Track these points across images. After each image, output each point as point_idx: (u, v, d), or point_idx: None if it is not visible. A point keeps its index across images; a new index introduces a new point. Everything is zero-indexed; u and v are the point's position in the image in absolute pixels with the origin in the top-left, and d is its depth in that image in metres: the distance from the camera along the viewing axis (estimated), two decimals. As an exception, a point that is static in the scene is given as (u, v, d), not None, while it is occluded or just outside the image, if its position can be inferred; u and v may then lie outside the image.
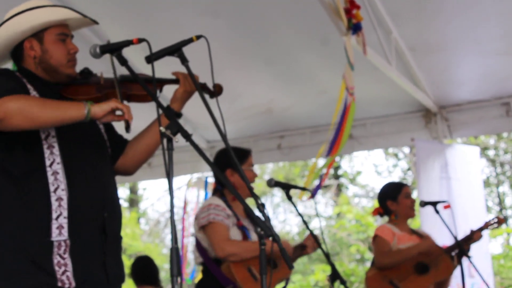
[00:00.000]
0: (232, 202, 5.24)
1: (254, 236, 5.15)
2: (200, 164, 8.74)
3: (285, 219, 23.52)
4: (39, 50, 3.32)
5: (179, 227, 9.02)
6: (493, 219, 6.12)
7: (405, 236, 6.14)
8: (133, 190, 22.54)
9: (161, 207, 23.39)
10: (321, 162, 6.59)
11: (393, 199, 6.26)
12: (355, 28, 5.80)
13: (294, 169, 21.22)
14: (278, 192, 22.28)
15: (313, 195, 5.59)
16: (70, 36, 3.40)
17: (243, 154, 5.34)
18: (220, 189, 5.29)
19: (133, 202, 22.64)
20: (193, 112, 7.46)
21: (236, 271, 4.92)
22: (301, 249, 5.32)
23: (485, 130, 8.66)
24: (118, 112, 3.15)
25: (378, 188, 21.87)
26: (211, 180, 8.46)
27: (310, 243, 5.31)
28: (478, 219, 6.57)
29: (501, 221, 6.12)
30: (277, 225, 22.48)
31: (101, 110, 3.11)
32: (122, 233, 3.51)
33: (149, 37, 3.10)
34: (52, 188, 3.15)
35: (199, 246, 5.19)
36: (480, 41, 6.87)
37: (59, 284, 3.12)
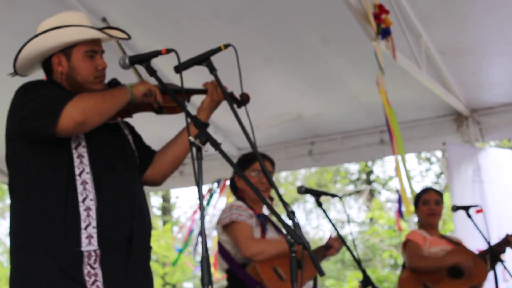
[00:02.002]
0: (250, 203, 5.25)
1: (269, 234, 5.15)
2: (230, 172, 8.75)
3: (318, 225, 23.49)
4: (66, 67, 3.35)
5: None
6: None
7: (436, 241, 6.14)
8: (166, 199, 22.61)
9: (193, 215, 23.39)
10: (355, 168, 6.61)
11: (416, 207, 6.35)
12: (384, 33, 5.78)
13: (326, 175, 21.17)
14: (310, 198, 22.22)
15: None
16: (100, 52, 3.42)
17: (248, 160, 5.36)
18: (238, 196, 5.34)
19: (166, 210, 22.71)
20: (224, 119, 7.50)
21: (262, 271, 4.90)
22: (326, 250, 5.30)
23: (518, 133, 8.58)
24: (149, 93, 3.37)
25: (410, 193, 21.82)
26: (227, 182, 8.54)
27: (335, 243, 5.29)
28: (512, 223, 6.53)
29: (537, 224, 6.08)
30: (310, 231, 22.44)
31: (138, 91, 3.34)
32: (156, 245, 3.53)
33: (176, 47, 3.11)
34: (80, 198, 3.18)
35: (222, 251, 5.17)
36: (510, 42, 6.80)
37: None
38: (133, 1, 6.39)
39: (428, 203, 6.28)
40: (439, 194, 6.36)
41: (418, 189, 6.44)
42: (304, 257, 4.44)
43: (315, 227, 23.26)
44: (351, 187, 22.07)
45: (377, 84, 5.78)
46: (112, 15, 6.19)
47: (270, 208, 2.87)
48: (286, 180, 21.95)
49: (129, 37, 3.51)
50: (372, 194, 21.58)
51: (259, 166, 5.33)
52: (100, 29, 3.43)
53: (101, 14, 6.13)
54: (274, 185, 3.04)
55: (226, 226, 5.09)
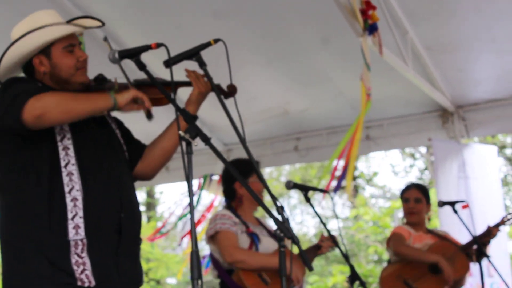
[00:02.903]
0: (240, 212, 5.28)
1: (264, 244, 5.18)
2: (217, 167, 8.75)
3: (302, 221, 23.53)
4: (48, 65, 3.36)
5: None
6: (509, 214, 6.11)
7: (421, 236, 6.17)
8: (150, 194, 22.57)
9: (178, 210, 23.38)
10: (340, 163, 6.63)
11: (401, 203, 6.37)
12: (371, 29, 5.79)
13: (311, 171, 21.19)
14: (295, 194, 22.26)
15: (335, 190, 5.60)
16: (78, 44, 3.42)
17: (250, 168, 5.36)
18: (228, 202, 5.38)
19: (150, 205, 22.67)
20: (210, 114, 7.47)
21: (246, 278, 4.98)
22: (316, 249, 5.34)
23: (503, 129, 8.63)
24: (138, 101, 3.26)
25: (395, 188, 21.93)
26: (215, 177, 8.53)
27: (325, 243, 5.33)
28: (497, 218, 6.54)
29: (518, 216, 6.12)
30: (294, 227, 22.47)
31: (123, 99, 3.23)
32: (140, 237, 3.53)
33: (165, 42, 3.12)
34: (67, 189, 3.19)
35: (213, 259, 5.26)
36: (496, 39, 6.83)
37: (79, 283, 3.16)
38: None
39: (407, 201, 6.31)
40: (422, 190, 6.36)
41: (404, 184, 6.45)
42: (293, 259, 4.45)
43: (299, 222, 23.31)
44: (334, 183, 22.03)
45: (361, 80, 5.78)
46: (100, 11, 6.19)
47: (265, 208, 2.86)
48: (271, 175, 21.96)
49: (103, 24, 3.50)
50: (356, 190, 21.63)
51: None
52: (71, 21, 3.43)
53: (88, 8, 6.12)
54: (268, 188, 3.05)
55: (212, 236, 5.17)
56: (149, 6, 6.45)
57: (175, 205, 9.39)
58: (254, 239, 5.17)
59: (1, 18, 6.17)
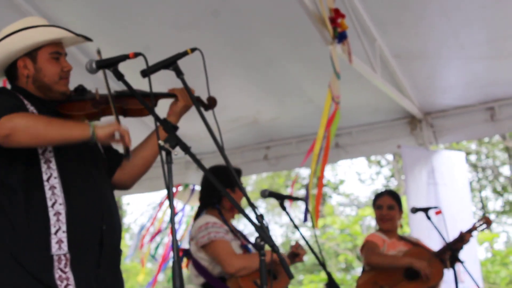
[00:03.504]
0: (228, 220, 5.25)
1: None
2: (187, 176, 8.73)
3: (270, 230, 23.53)
4: (32, 69, 3.33)
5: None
6: (480, 220, 6.17)
7: (394, 243, 6.19)
8: (117, 205, 22.47)
9: (144, 221, 23.31)
10: (308, 171, 6.62)
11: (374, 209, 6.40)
12: (340, 37, 5.81)
13: (278, 179, 21.24)
14: (262, 203, 22.29)
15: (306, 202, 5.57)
16: (64, 54, 3.41)
17: (238, 174, 5.37)
18: (218, 208, 5.27)
19: (117, 217, 22.55)
20: (183, 124, 7.45)
21: (244, 284, 4.92)
22: (293, 257, 5.34)
23: (470, 135, 8.70)
24: (117, 136, 3.14)
25: (361, 196, 22.05)
26: (198, 188, 8.47)
27: (301, 250, 5.33)
28: (466, 224, 6.60)
29: (489, 222, 6.17)
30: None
31: (103, 132, 3.10)
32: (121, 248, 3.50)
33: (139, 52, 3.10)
34: (49, 203, 3.14)
35: (198, 266, 5.17)
36: (463, 46, 6.90)
37: None
38: (89, 7, 6.34)
39: (380, 208, 6.34)
40: (395, 197, 6.40)
41: (371, 192, 6.50)
42: (277, 268, 4.46)
43: (267, 231, 23.27)
44: (302, 192, 22.13)
45: (328, 88, 5.79)
46: (73, 23, 6.16)
47: (247, 217, 2.85)
48: (238, 185, 21.90)
49: (91, 40, 3.51)
50: (323, 198, 21.70)
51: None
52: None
53: (61, 23, 6.09)
54: (248, 197, 3.05)
55: (205, 245, 5.07)
56: (120, 18, 6.43)
57: (142, 217, 9.36)
58: (247, 250, 5.14)
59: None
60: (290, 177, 21.56)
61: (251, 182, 22.32)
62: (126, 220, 23.40)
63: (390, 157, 19.92)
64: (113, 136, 3.15)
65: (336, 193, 22.64)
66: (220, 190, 2.86)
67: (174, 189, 8.79)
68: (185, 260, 5.37)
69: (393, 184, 20.87)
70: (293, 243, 5.46)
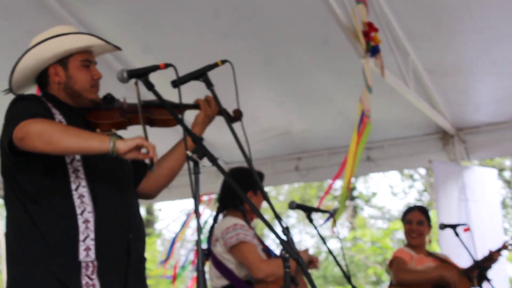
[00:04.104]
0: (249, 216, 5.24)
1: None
2: (216, 186, 8.77)
3: (300, 240, 23.49)
4: (63, 76, 3.38)
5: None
6: (511, 239, 6.13)
7: (422, 259, 6.17)
8: (149, 211, 22.57)
9: (176, 228, 23.38)
10: (339, 184, 6.61)
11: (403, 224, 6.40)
12: (373, 50, 5.81)
13: (310, 190, 21.20)
14: (293, 214, 22.25)
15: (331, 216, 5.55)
16: (94, 62, 3.47)
17: (260, 178, 5.34)
18: (242, 209, 5.23)
19: (149, 222, 22.66)
20: (211, 133, 7.48)
21: None
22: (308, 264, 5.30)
23: (503, 152, 8.67)
24: (143, 150, 3.08)
25: (394, 209, 21.94)
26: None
27: (313, 258, 5.28)
28: (496, 241, 6.56)
29: (519, 241, 6.13)
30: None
31: (125, 146, 3.04)
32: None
33: (167, 61, 3.15)
34: (78, 211, 3.19)
35: (222, 268, 5.12)
36: (496, 62, 6.88)
37: None
38: (125, 14, 6.42)
39: (410, 223, 6.33)
40: (425, 213, 6.38)
41: (403, 205, 6.49)
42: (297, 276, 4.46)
43: (298, 242, 23.27)
44: (334, 203, 22.06)
45: (360, 101, 5.79)
46: (105, 30, 6.24)
47: (270, 227, 2.87)
48: (269, 194, 21.96)
49: (120, 49, 3.56)
50: (355, 210, 21.63)
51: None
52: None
53: (94, 30, 6.19)
54: (273, 208, 3.06)
55: (233, 246, 5.02)
56: (154, 24, 6.50)
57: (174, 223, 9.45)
58: (270, 254, 5.14)
59: (5, 34, 6.25)
60: (323, 188, 21.52)
61: (283, 192, 22.29)
62: (157, 226, 23.49)
63: (423, 171, 19.80)
64: (136, 150, 3.08)
65: (368, 206, 22.54)
66: (243, 197, 2.88)
67: (207, 198, 8.88)
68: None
69: (425, 199, 20.73)
70: (304, 248, 5.41)
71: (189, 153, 2.80)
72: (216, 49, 6.48)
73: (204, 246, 5.44)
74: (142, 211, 20.84)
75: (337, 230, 5.28)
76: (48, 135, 3.05)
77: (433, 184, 18.65)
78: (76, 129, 3.14)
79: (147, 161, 3.11)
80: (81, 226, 3.18)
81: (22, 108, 3.19)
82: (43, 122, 3.11)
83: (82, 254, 3.16)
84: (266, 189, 20.61)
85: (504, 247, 6.08)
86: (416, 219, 6.30)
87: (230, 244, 5.02)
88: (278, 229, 2.97)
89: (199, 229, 2.73)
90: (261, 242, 5.21)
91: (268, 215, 17.97)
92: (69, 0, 6.18)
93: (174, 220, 22.86)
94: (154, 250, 19.90)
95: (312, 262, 5.25)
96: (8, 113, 3.22)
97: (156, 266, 18.95)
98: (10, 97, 3.42)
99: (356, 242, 18.66)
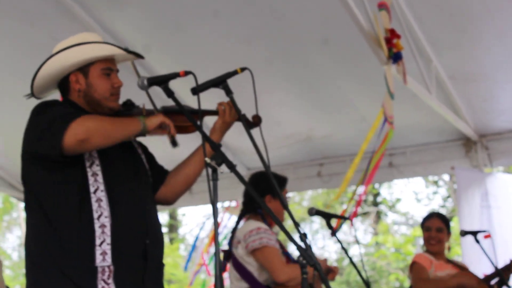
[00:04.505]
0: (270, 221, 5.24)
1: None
2: (238, 191, 8.79)
3: (324, 246, 23.46)
4: (84, 84, 3.41)
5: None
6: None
7: (442, 265, 6.15)
8: (173, 216, 22.64)
9: (200, 233, 23.40)
10: (361, 190, 6.63)
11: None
12: (395, 57, 5.80)
13: (333, 196, 21.16)
14: (317, 219, 22.23)
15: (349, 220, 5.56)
16: (116, 70, 3.49)
17: (282, 182, 5.36)
18: (261, 213, 5.25)
19: (173, 227, 22.73)
20: (233, 138, 7.53)
21: None
22: (327, 273, 5.30)
23: (526, 159, 8.61)
24: (164, 126, 3.37)
25: (417, 215, 21.84)
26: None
27: (333, 267, 5.28)
28: (519, 249, 6.54)
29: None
30: (316, 252, 22.40)
31: (152, 124, 3.33)
32: (163, 262, 3.56)
33: (189, 68, 3.18)
34: (95, 215, 3.22)
35: (243, 271, 5.14)
36: (518, 69, 6.87)
37: None
38: (149, 20, 6.46)
39: (429, 230, 6.31)
40: (444, 220, 6.36)
41: (427, 211, 6.47)
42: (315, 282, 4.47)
43: (321, 247, 23.25)
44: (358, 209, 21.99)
45: (382, 108, 5.80)
46: (128, 36, 6.29)
47: (286, 232, 2.89)
48: (293, 200, 21.95)
49: (143, 57, 3.58)
50: (378, 216, 21.56)
51: (285, 191, 5.36)
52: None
53: (117, 35, 6.23)
54: (288, 208, 3.08)
55: (256, 250, 5.05)
56: (176, 31, 6.53)
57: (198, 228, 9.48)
58: (290, 258, 5.15)
59: (30, 40, 6.31)
60: (346, 194, 21.46)
61: (306, 197, 22.27)
62: (181, 231, 23.54)
63: (447, 177, 19.70)
64: (161, 127, 3.35)
65: (392, 212, 22.46)
66: (260, 203, 2.90)
67: (235, 203, 8.90)
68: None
69: (449, 205, 20.64)
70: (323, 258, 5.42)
71: (207, 159, 2.83)
72: (238, 55, 6.52)
73: (225, 247, 5.48)
74: (166, 216, 20.93)
75: (356, 234, 5.27)
76: (103, 129, 3.19)
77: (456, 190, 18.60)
78: (116, 118, 3.34)
79: (169, 138, 3.38)
80: (98, 231, 3.21)
81: (56, 112, 3.22)
82: (93, 118, 3.24)
83: (98, 259, 3.19)
84: (289, 194, 20.61)
85: (526, 255, 6.05)
86: (435, 226, 6.28)
87: (253, 247, 5.05)
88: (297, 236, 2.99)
89: (216, 236, 2.75)
90: (282, 247, 5.23)
91: (289, 221, 17.96)
92: (94, 7, 6.23)
93: (197, 225, 22.94)
94: (177, 255, 19.93)
95: (331, 272, 5.26)
96: (40, 118, 3.24)
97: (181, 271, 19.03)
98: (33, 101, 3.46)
99: (379, 248, 18.60)
